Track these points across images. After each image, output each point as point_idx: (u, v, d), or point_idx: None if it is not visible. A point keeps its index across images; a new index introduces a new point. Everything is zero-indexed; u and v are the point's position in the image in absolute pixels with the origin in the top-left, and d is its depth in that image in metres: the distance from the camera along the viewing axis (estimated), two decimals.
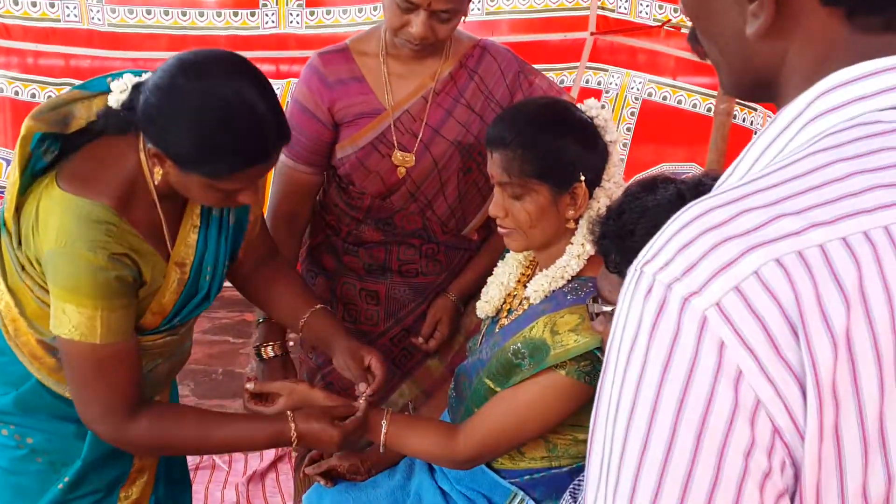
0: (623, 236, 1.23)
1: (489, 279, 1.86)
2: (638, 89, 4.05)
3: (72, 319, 1.51)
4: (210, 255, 1.72)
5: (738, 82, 0.76)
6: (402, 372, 2.23)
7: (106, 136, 1.58)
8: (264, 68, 3.80)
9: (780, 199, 0.61)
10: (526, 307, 1.72)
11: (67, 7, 3.61)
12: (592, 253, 1.63)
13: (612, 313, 1.25)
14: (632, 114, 4.12)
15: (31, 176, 1.57)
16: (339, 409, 1.71)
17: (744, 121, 4.00)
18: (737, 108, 3.96)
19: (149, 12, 3.67)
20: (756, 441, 0.58)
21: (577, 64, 4.03)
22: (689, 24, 0.78)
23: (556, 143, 1.62)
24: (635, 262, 0.64)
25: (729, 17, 0.71)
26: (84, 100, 1.59)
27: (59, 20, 3.62)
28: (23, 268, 1.58)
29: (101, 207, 1.52)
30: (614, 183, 1.68)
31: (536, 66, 2.18)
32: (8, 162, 3.82)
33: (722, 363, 0.58)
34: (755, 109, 3.91)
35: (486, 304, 1.84)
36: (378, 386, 1.78)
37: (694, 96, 4.03)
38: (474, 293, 2.03)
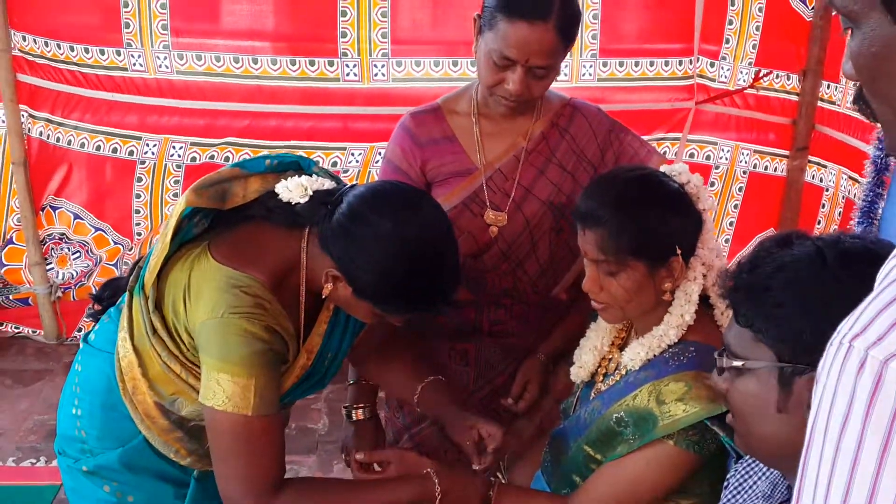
0: (758, 290, 1.18)
1: (581, 342, 1.83)
2: (725, 158, 3.91)
3: (226, 390, 1.51)
4: (333, 344, 1.76)
5: None
6: None
7: (268, 222, 1.62)
8: (338, 126, 3.56)
9: None
10: (623, 372, 1.68)
11: (132, 56, 3.45)
12: (691, 322, 1.61)
13: (741, 368, 1.20)
14: (740, 189, 3.96)
15: (178, 244, 1.62)
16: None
17: (812, 178, 3.89)
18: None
19: (217, 59, 3.45)
20: None
21: (680, 134, 3.83)
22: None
23: (651, 219, 1.59)
24: (838, 334, 0.62)
25: None
26: (241, 178, 1.63)
27: (126, 69, 3.47)
28: (154, 331, 1.59)
29: (257, 283, 1.54)
30: (709, 249, 1.65)
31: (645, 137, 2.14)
32: (76, 216, 3.78)
33: None
34: (824, 166, 3.80)
35: (580, 369, 1.81)
36: (492, 459, 1.79)
37: (766, 158, 3.93)
38: (563, 354, 1.99)
